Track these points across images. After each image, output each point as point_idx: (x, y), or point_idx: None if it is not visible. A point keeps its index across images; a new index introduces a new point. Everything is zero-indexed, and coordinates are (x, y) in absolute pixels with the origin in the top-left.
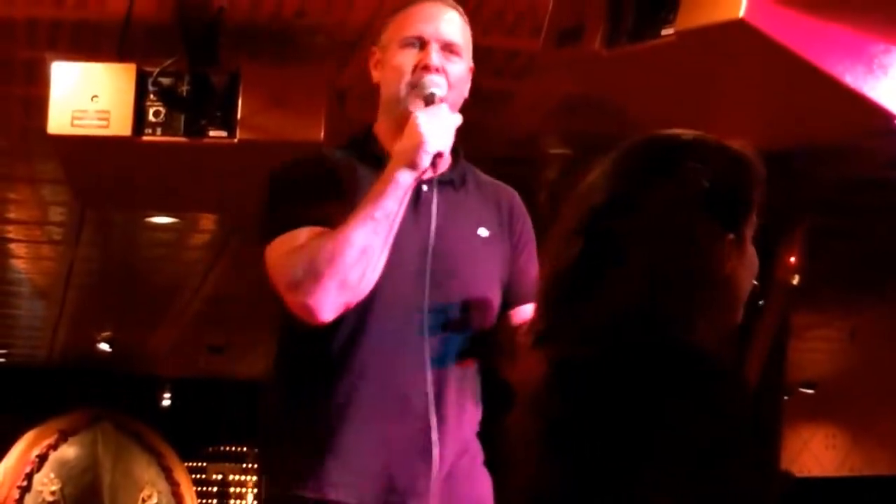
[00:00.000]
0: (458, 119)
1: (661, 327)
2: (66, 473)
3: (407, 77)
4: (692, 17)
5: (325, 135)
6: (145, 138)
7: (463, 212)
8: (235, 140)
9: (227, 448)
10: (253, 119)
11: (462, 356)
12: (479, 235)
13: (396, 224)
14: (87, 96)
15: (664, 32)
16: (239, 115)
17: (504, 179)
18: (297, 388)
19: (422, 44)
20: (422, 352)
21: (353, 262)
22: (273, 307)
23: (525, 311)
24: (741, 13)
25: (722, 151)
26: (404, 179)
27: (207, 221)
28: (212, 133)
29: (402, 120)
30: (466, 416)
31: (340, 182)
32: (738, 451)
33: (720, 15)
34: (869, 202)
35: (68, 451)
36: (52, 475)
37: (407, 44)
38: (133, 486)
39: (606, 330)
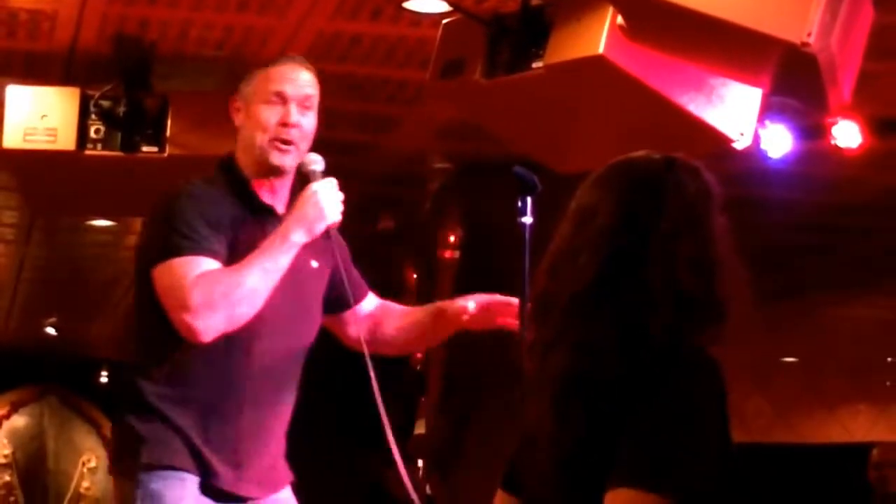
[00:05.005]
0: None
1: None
2: (17, 440)
3: (270, 130)
4: (559, 52)
5: None
6: (87, 152)
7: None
8: (165, 155)
9: None
10: (180, 137)
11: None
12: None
13: (281, 274)
14: (37, 116)
15: (535, 66)
16: (168, 134)
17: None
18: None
19: (283, 101)
20: None
21: (242, 301)
22: None
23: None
24: (600, 49)
25: (690, 165)
26: (299, 240)
27: (140, 225)
28: (144, 149)
29: (262, 161)
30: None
31: (222, 215)
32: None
33: (582, 51)
34: None
35: (19, 420)
36: (5, 441)
37: (269, 100)
38: (74, 452)
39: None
